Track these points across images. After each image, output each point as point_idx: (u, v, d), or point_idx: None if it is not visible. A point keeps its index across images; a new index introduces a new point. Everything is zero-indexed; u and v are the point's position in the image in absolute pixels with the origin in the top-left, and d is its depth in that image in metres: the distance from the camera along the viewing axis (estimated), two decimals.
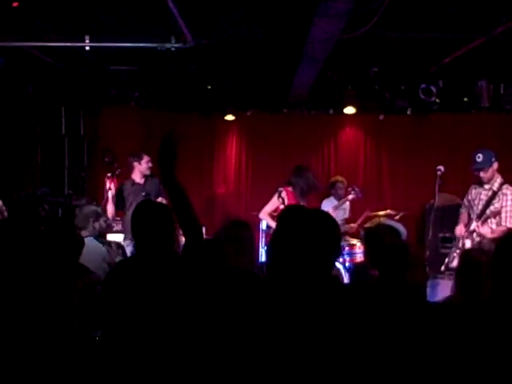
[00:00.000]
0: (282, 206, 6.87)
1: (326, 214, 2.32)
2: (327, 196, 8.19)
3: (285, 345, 2.05)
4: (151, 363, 2.92)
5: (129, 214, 6.00)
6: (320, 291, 2.12)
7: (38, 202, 5.86)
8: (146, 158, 6.86)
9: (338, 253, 2.32)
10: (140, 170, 6.85)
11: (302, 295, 2.11)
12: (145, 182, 6.86)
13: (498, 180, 5.76)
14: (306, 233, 2.14)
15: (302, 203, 6.77)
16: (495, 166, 5.75)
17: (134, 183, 6.82)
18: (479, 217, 5.72)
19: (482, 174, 5.75)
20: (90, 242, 4.38)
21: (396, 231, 4.05)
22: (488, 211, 5.67)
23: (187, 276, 2.90)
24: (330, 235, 2.18)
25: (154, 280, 3.09)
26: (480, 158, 5.72)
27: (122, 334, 3.06)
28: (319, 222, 2.19)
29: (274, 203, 6.99)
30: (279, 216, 2.21)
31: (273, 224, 6.95)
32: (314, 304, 2.09)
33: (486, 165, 5.71)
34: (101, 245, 4.85)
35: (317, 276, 2.13)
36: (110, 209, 6.61)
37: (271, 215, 7.05)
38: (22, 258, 3.39)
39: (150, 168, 6.84)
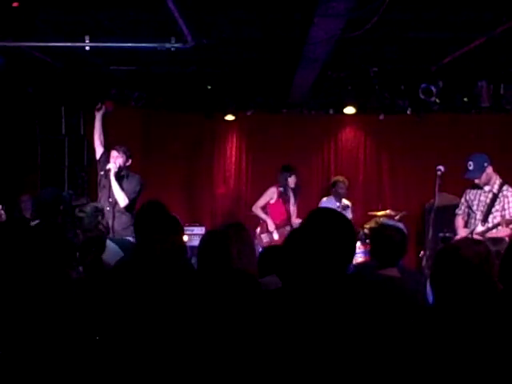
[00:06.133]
0: (272, 201, 7.66)
1: (345, 216, 2.36)
2: (327, 195, 8.20)
3: (303, 347, 2.05)
4: (150, 364, 2.91)
5: None
6: (343, 290, 2.16)
7: (61, 200, 5.69)
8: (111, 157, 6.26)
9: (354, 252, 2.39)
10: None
11: (326, 295, 2.13)
12: (118, 177, 6.16)
13: (498, 181, 5.72)
14: (334, 234, 2.19)
15: (286, 202, 7.65)
16: (489, 169, 5.70)
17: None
18: (483, 220, 5.68)
19: (476, 181, 5.74)
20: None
21: (401, 230, 4.06)
22: (491, 216, 5.62)
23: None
24: (352, 236, 2.27)
25: (155, 280, 3.09)
26: (471, 165, 5.69)
27: (121, 335, 3.06)
28: (344, 224, 2.24)
29: (266, 198, 7.68)
30: (309, 216, 2.30)
31: (265, 217, 7.58)
32: (338, 303, 2.12)
33: (478, 173, 5.67)
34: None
35: (337, 276, 2.17)
36: None
37: (262, 209, 7.69)
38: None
39: (115, 157, 6.21)
